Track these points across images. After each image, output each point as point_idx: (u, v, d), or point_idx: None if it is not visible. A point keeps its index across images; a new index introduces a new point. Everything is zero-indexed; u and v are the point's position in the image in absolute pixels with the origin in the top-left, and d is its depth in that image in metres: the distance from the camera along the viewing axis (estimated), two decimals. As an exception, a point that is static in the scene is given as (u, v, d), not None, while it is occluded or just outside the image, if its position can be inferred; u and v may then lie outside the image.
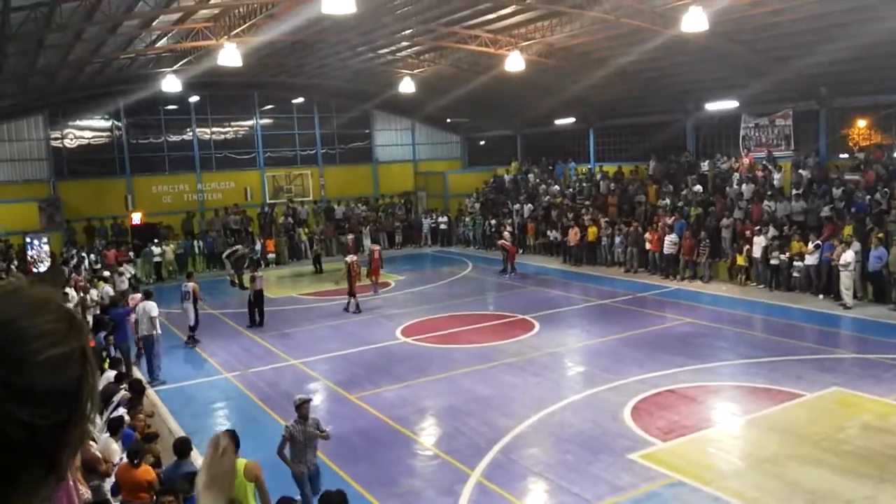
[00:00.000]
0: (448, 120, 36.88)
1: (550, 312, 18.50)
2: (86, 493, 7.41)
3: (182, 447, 7.61)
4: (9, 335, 0.73)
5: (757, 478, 8.86)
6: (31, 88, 25.04)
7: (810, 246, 18.47)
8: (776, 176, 22.73)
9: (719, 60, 21.26)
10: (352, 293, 19.28)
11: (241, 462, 6.92)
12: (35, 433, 0.72)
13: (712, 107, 24.51)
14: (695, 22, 15.59)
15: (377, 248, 22.98)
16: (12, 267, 22.16)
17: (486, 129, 37.03)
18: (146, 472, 7.34)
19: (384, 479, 9.45)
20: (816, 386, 11.90)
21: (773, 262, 19.43)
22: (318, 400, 13.23)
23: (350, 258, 19.75)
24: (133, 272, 18.82)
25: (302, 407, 8.37)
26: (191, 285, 17.03)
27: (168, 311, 19.47)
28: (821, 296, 18.27)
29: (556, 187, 30.40)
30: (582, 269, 24.57)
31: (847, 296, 17.22)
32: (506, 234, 25.49)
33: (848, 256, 17.17)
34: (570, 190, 29.79)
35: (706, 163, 25.54)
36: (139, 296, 15.67)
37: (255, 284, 18.40)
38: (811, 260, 18.48)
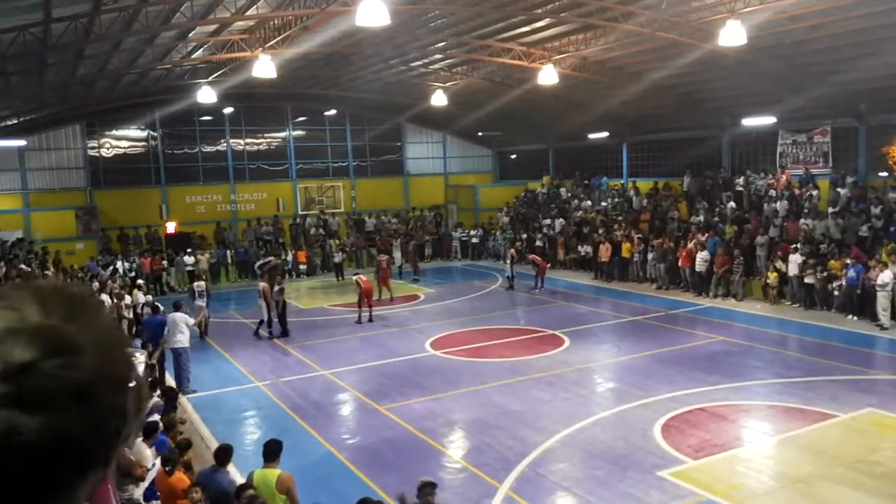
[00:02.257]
0: (480, 133, 36.95)
1: (580, 328, 18.37)
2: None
3: (222, 455, 7.70)
4: (103, 333, 0.81)
5: (788, 498, 8.69)
6: (69, 98, 25.69)
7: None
8: (813, 193, 22.34)
9: (757, 75, 21.01)
10: (361, 305, 19.69)
11: (274, 473, 6.97)
12: (121, 417, 0.80)
13: (749, 122, 24.22)
14: (732, 36, 15.45)
15: (384, 258, 23.85)
16: (47, 273, 22.63)
17: (518, 142, 37.01)
18: (180, 479, 7.44)
19: (413, 490, 9.43)
20: (851, 407, 11.65)
21: (807, 280, 19.09)
22: (346, 410, 13.33)
23: (358, 277, 20.16)
24: (147, 299, 19.11)
25: (424, 490, 7.22)
26: (262, 285, 18.56)
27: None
28: (850, 316, 17.91)
29: (589, 202, 30.24)
30: (613, 286, 24.38)
31: (884, 316, 16.83)
32: (535, 256, 25.39)
33: (886, 277, 16.80)
34: (603, 205, 29.60)
35: (741, 179, 25.20)
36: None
37: (279, 295, 18.68)
38: (845, 280, 18.15)
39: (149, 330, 14.63)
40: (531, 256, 25.52)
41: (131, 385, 0.82)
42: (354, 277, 20.31)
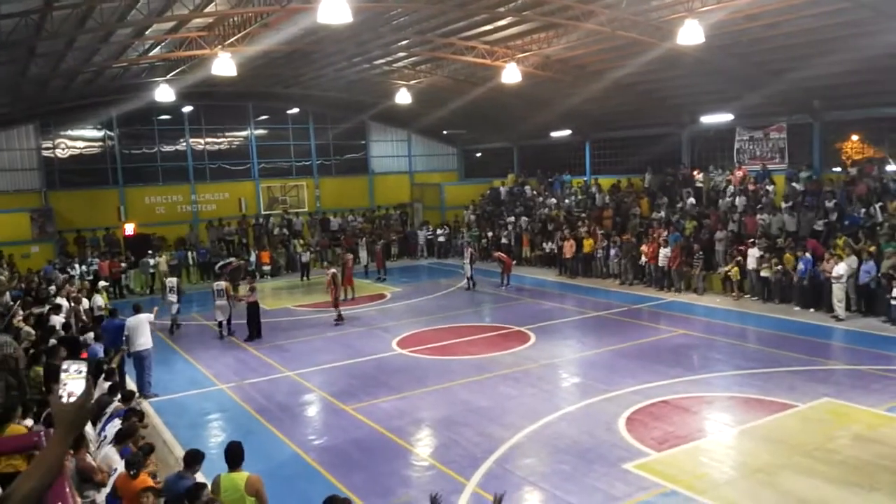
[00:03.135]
0: (444, 132, 37.01)
1: (546, 324, 18.52)
2: (79, 503, 7.38)
3: (190, 459, 7.58)
4: None
5: (750, 487, 8.88)
6: (21, 97, 24.89)
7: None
8: (769, 189, 22.87)
9: (714, 73, 21.43)
10: (334, 305, 19.57)
11: (242, 476, 6.87)
12: None
13: (707, 120, 24.71)
14: (691, 35, 15.72)
15: (349, 256, 23.96)
16: (1, 278, 21.95)
17: (483, 141, 37.15)
18: (144, 482, 7.30)
19: (380, 489, 9.41)
20: (808, 397, 11.95)
21: (763, 273, 19.53)
22: (313, 411, 13.22)
23: (331, 271, 20.08)
24: (101, 304, 18.88)
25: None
26: (224, 284, 18.79)
27: (163, 322, 19.41)
28: (796, 307, 18.50)
29: (553, 200, 30.49)
30: (577, 282, 24.62)
31: (839, 308, 17.32)
32: (500, 254, 25.45)
33: (840, 269, 17.27)
34: (567, 202, 29.87)
35: (700, 175, 25.67)
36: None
37: (252, 296, 18.39)
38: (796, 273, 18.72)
39: (108, 335, 14.30)
40: (497, 254, 25.60)
41: None
42: (329, 272, 20.12)
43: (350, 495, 8.89)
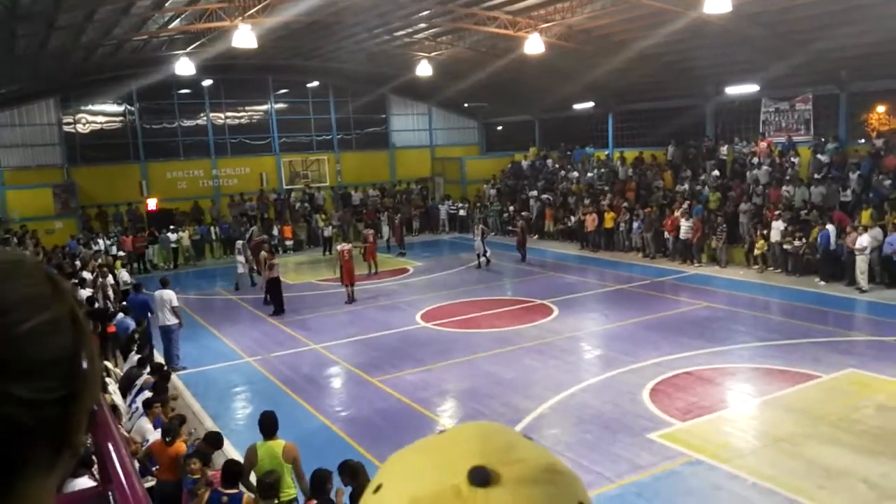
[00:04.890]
0: (466, 105, 36.71)
1: (569, 297, 18.55)
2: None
3: (214, 439, 7.79)
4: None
5: (773, 456, 8.95)
6: (41, 72, 24.89)
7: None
8: (794, 161, 22.57)
9: (740, 43, 21.04)
10: (348, 282, 19.20)
11: (279, 444, 7.05)
12: (38, 410, 0.65)
13: (732, 91, 24.31)
14: (718, 3, 15.46)
15: (370, 232, 24.02)
16: (27, 253, 22.33)
17: (505, 114, 36.85)
18: (179, 448, 7.54)
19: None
20: (832, 367, 11.95)
21: (786, 246, 19.35)
22: (338, 383, 13.44)
23: (341, 246, 19.93)
24: (127, 278, 19.32)
25: None
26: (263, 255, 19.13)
27: (186, 297, 19.73)
28: (818, 281, 18.28)
29: (575, 173, 30.29)
30: (600, 255, 24.56)
31: (862, 279, 17.20)
32: (520, 223, 25.22)
33: (864, 240, 17.11)
34: (589, 175, 29.67)
35: (725, 147, 25.36)
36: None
37: (272, 272, 18.47)
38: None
39: (134, 309, 14.55)
40: (519, 223, 25.31)
41: (54, 365, 0.67)
42: (339, 248, 20.16)
43: (377, 464, 9.08)
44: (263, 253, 19.16)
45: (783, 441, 9.34)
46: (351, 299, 19.22)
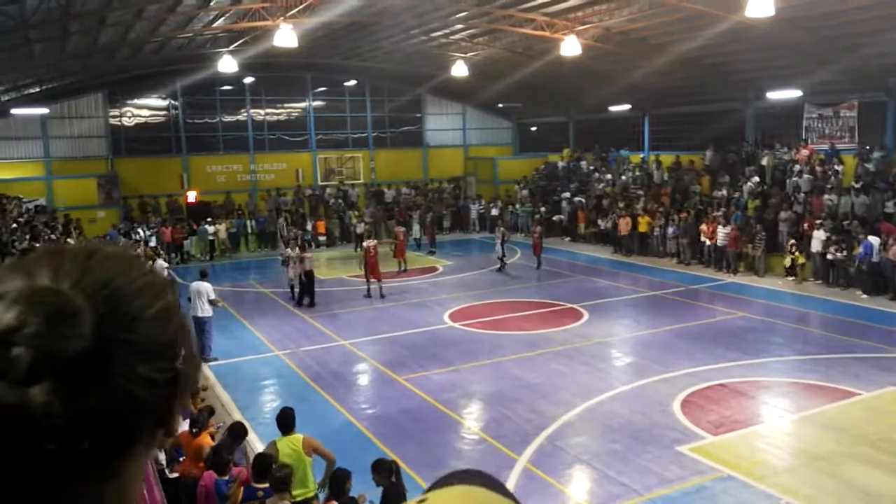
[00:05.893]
0: (500, 105, 36.59)
1: (600, 302, 18.33)
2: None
3: (237, 430, 7.82)
4: (113, 294, 0.70)
5: (810, 475, 8.68)
6: (91, 67, 25.64)
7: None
8: (838, 169, 21.98)
9: (783, 48, 20.56)
10: (374, 278, 19.36)
11: (298, 438, 7.09)
12: (155, 389, 0.70)
13: (774, 96, 23.77)
14: (760, 7, 15.09)
15: (401, 229, 23.95)
16: (70, 241, 22.89)
17: (539, 115, 36.64)
18: (204, 440, 7.59)
19: (431, 460, 9.55)
20: (874, 385, 11.58)
21: (829, 257, 18.85)
22: (365, 380, 13.46)
23: (367, 243, 19.95)
24: (164, 266, 19.62)
25: None
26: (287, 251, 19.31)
27: (220, 289, 19.97)
28: (860, 293, 17.78)
29: (609, 176, 29.95)
30: (633, 260, 24.25)
31: (907, 294, 16.67)
32: (538, 228, 24.21)
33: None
34: (623, 178, 29.32)
35: (765, 154, 24.81)
36: None
37: (304, 265, 18.72)
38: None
39: None
40: (535, 232, 23.81)
41: (169, 348, 0.72)
42: (365, 244, 20.25)
43: (401, 464, 9.06)
44: (287, 250, 19.29)
45: (820, 460, 9.06)
46: (378, 294, 19.43)
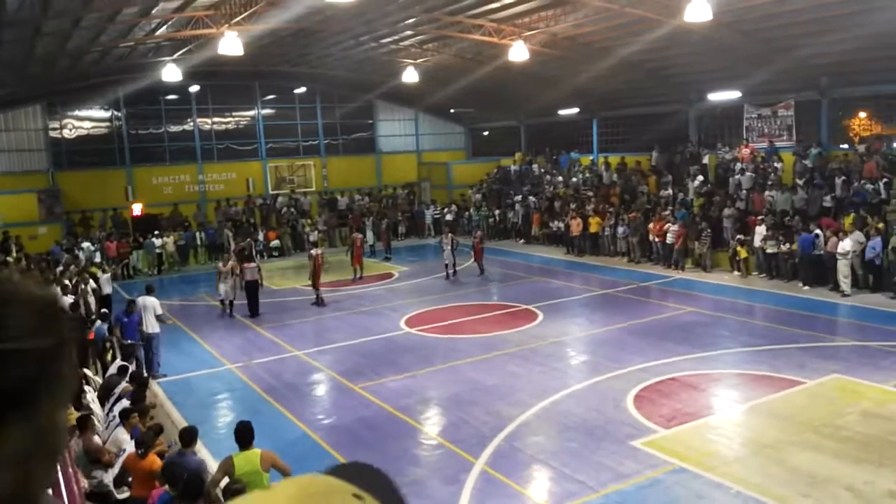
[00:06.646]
0: (452, 110, 36.78)
1: (554, 302, 18.55)
2: (85, 483, 7.48)
3: (188, 436, 7.64)
4: None
5: (758, 463, 8.93)
6: (28, 77, 24.79)
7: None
8: (777, 166, 22.73)
9: (722, 51, 21.19)
10: (315, 286, 19.44)
11: (256, 453, 6.97)
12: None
13: (714, 97, 24.49)
14: (698, 12, 15.54)
15: (359, 236, 23.84)
16: (9, 259, 22.10)
17: (490, 119, 36.95)
18: (153, 462, 7.40)
19: (389, 468, 9.09)
20: (817, 373, 11.97)
21: (769, 251, 19.46)
22: (321, 390, 13.33)
23: (314, 251, 19.94)
24: (107, 282, 19.19)
25: None
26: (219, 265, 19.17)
27: (170, 304, 19.57)
28: (801, 285, 18.39)
29: (560, 178, 30.37)
30: (585, 260, 24.60)
31: (845, 284, 17.32)
32: (478, 233, 24.25)
33: (846, 245, 17.23)
34: (574, 180, 29.75)
35: (707, 153, 25.50)
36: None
37: (245, 276, 18.61)
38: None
39: (129, 330, 13.99)
40: (475, 238, 23.45)
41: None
42: (313, 252, 20.15)
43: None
44: (231, 262, 19.07)
45: (768, 448, 9.33)
46: (319, 301, 19.45)
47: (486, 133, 38.75)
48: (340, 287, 21.85)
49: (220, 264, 19.16)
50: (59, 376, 0.78)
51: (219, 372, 14.41)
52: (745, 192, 22.52)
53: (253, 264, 19.30)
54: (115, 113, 30.68)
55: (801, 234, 18.65)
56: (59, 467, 3.11)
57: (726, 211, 21.81)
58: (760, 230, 19.90)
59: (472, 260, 23.25)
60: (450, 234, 23.09)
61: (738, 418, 10.58)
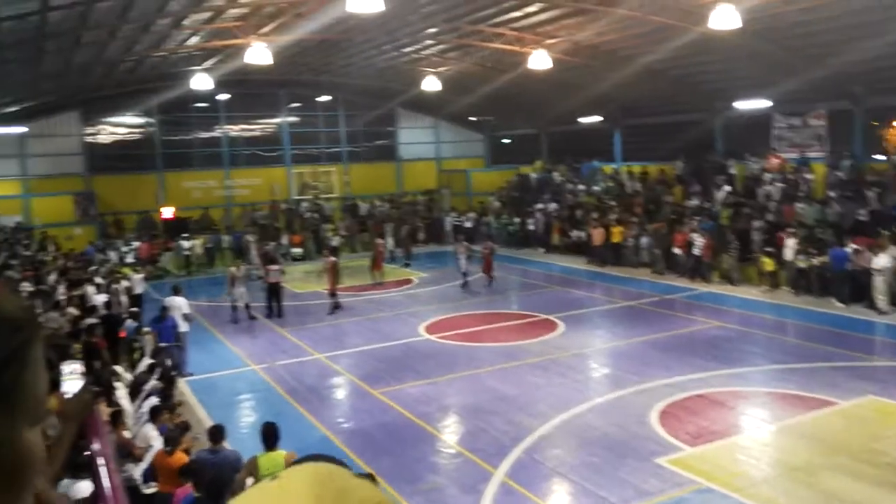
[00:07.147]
0: (472, 118, 36.80)
1: (575, 313, 18.34)
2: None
3: (217, 433, 7.68)
4: None
5: (789, 486, 8.63)
6: (66, 85, 25.59)
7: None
8: (808, 177, 22.28)
9: (750, 58, 20.89)
10: (332, 293, 19.33)
11: (281, 454, 7.00)
12: None
13: (742, 105, 24.05)
14: (725, 19, 15.31)
15: (381, 242, 23.98)
16: (45, 257, 22.85)
17: (510, 127, 36.89)
18: (180, 459, 7.43)
19: (407, 475, 9.42)
20: (852, 394, 11.51)
21: (800, 265, 18.96)
22: (341, 394, 13.31)
23: (331, 259, 19.86)
24: (140, 282, 19.47)
25: None
26: (231, 269, 19.20)
27: (197, 304, 19.72)
28: (834, 301, 17.77)
29: (582, 187, 30.13)
30: (607, 270, 24.29)
31: (882, 301, 16.76)
32: (488, 243, 23.33)
33: (882, 261, 16.73)
34: (595, 189, 29.50)
35: (733, 163, 25.10)
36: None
37: (269, 277, 19.00)
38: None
39: (164, 334, 14.06)
40: (485, 248, 22.64)
41: None
42: (326, 259, 20.16)
43: (378, 480, 8.92)
44: (231, 268, 19.28)
45: (799, 471, 9.00)
46: (336, 307, 19.39)
47: (505, 141, 38.66)
48: (360, 292, 21.85)
49: (233, 268, 19.27)
50: (13, 388, 0.77)
51: (243, 372, 14.49)
52: (774, 203, 22.08)
53: (276, 267, 19.52)
54: (148, 120, 31.51)
55: (833, 249, 18.15)
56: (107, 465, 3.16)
57: (755, 223, 21.39)
58: (790, 243, 19.44)
59: (481, 272, 22.29)
60: (464, 243, 22.51)
61: (767, 438, 10.24)
